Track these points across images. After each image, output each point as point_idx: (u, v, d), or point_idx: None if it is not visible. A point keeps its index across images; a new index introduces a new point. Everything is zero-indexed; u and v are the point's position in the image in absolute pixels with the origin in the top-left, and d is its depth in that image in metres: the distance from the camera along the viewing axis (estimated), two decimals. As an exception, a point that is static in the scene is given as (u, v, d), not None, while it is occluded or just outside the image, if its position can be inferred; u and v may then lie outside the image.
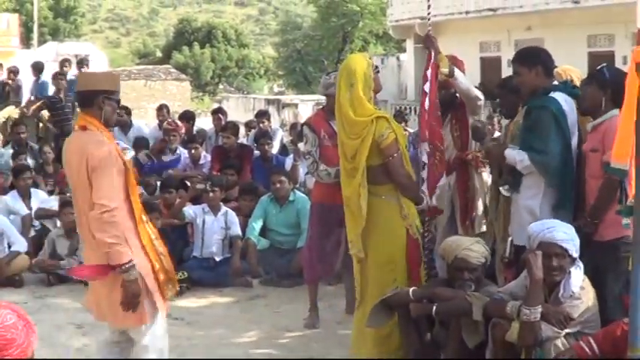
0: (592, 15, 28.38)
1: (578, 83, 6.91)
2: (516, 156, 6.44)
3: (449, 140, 7.78)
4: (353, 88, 6.32)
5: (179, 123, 13.98)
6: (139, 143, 13.16)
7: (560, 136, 6.30)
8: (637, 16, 4.92)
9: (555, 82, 6.73)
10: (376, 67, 6.60)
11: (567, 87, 6.66)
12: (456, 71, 7.37)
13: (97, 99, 5.58)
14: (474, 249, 6.21)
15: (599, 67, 6.44)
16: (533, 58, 6.66)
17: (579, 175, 6.49)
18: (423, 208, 6.68)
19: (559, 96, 6.43)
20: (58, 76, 17.46)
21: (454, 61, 7.58)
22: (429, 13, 8.05)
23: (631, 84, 3.91)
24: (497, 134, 12.99)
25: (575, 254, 5.54)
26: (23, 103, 17.37)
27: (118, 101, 5.85)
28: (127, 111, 15.35)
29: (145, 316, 5.55)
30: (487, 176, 7.91)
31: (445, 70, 7.29)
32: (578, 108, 6.61)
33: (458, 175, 7.84)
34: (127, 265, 5.35)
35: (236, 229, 10.04)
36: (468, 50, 30.04)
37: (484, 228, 7.80)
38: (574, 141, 6.47)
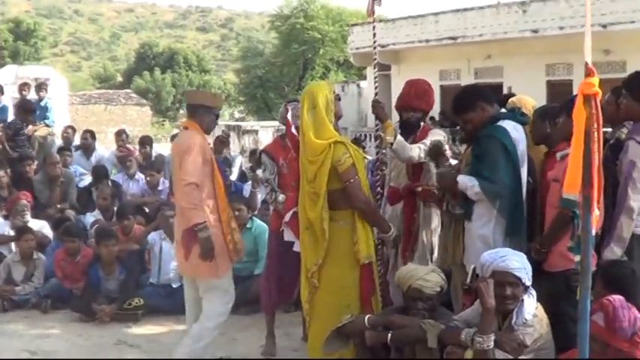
0: (550, 44, 28.73)
1: (530, 113, 6.99)
2: (468, 182, 6.49)
3: (401, 168, 7.81)
4: (315, 110, 6.37)
5: (131, 148, 13.93)
6: (100, 172, 12.97)
7: (509, 165, 6.36)
8: (585, 49, 5.02)
9: (503, 110, 6.80)
10: (337, 95, 6.64)
11: (516, 115, 6.72)
12: (396, 142, 7.34)
13: (198, 110, 7.15)
14: (428, 279, 6.23)
15: (570, 97, 6.50)
16: (470, 100, 6.69)
17: (533, 203, 6.56)
18: (389, 237, 6.70)
19: (508, 124, 6.49)
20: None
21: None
22: (374, 41, 8.23)
23: (578, 116, 3.97)
24: (454, 162, 13.05)
25: (528, 282, 5.58)
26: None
27: (217, 115, 7.36)
28: (92, 135, 15.31)
29: (213, 271, 7.00)
30: (436, 211, 7.86)
31: (390, 138, 7.32)
32: (533, 138, 6.70)
33: (405, 205, 7.80)
34: (200, 225, 6.75)
35: (193, 256, 9.95)
36: (428, 78, 30.04)
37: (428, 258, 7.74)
38: (524, 169, 6.54)
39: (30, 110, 14.93)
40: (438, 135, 7.76)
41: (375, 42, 8.37)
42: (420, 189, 7.74)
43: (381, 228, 6.68)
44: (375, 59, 8.25)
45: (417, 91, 7.75)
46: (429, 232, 7.80)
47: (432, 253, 7.82)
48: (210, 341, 7.20)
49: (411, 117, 7.69)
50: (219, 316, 7.20)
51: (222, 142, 14.69)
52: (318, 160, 6.29)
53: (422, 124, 7.85)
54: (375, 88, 8.33)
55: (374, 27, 8.14)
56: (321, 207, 6.34)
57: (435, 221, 7.82)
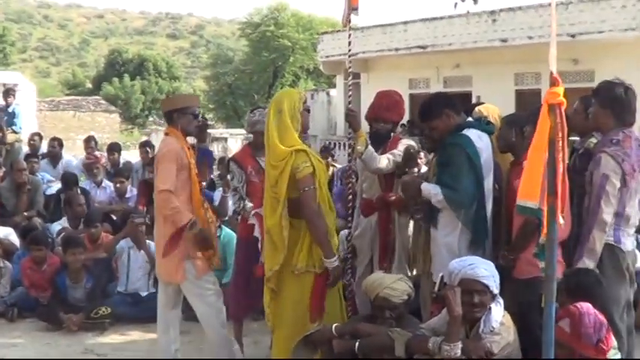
0: (519, 53, 28.87)
1: (497, 122, 7.03)
2: (431, 190, 6.52)
3: (373, 179, 7.82)
4: (281, 114, 6.34)
5: (99, 155, 13.87)
6: (70, 179, 12.86)
7: (472, 174, 6.39)
8: (550, 58, 5.03)
9: (470, 119, 6.82)
10: (307, 106, 6.63)
11: (481, 123, 6.76)
12: (365, 152, 7.35)
13: (172, 116, 7.20)
14: (395, 287, 6.24)
15: (536, 106, 6.53)
16: (437, 107, 6.74)
17: (499, 211, 6.60)
18: (330, 264, 6.36)
19: (472, 133, 6.52)
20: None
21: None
22: (349, 50, 8.26)
23: (542, 124, 4.00)
24: (424, 169, 13.11)
25: (496, 290, 5.61)
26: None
27: (195, 115, 7.30)
28: (59, 142, 15.21)
29: (184, 274, 7.03)
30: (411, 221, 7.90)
31: (360, 148, 7.33)
32: (499, 146, 6.74)
33: (380, 216, 7.78)
34: (190, 223, 6.81)
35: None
36: (398, 87, 30.05)
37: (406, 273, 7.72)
38: (489, 178, 6.57)
39: None
40: (407, 144, 7.78)
41: (349, 51, 8.35)
42: (393, 198, 7.74)
43: (323, 249, 6.35)
44: (349, 68, 8.25)
45: (388, 103, 7.76)
46: (406, 242, 7.81)
47: (409, 263, 7.85)
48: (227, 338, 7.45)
49: (381, 128, 7.70)
50: (218, 313, 7.27)
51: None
52: (280, 166, 6.27)
53: (392, 134, 7.87)
54: (349, 96, 8.31)
55: (349, 35, 8.08)
56: (280, 214, 6.31)
57: (411, 230, 7.86)
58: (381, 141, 7.65)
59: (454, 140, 6.48)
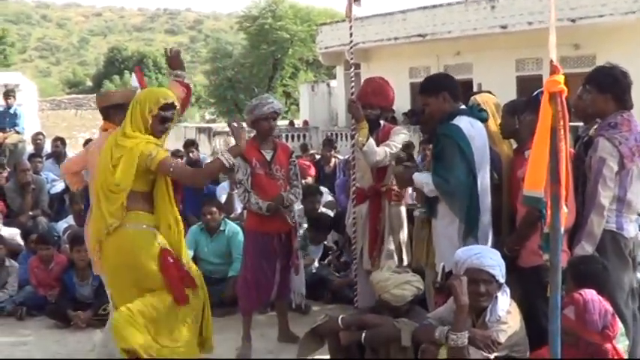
0: (520, 39, 28.81)
1: (495, 110, 7.02)
2: (423, 180, 6.55)
3: (365, 168, 7.83)
4: (133, 110, 6.23)
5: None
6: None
7: (463, 163, 6.38)
8: (550, 45, 5.01)
9: (462, 107, 6.83)
10: (169, 115, 6.31)
11: (473, 110, 6.75)
12: (367, 144, 7.41)
13: (109, 111, 7.25)
14: (396, 294, 6.35)
15: (534, 93, 6.52)
16: (437, 86, 6.76)
17: (499, 199, 6.60)
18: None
19: (463, 120, 6.51)
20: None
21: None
22: (351, 41, 8.25)
23: (544, 113, 4.00)
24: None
25: (502, 279, 5.62)
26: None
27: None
28: (62, 141, 15.24)
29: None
30: (402, 210, 7.96)
31: (362, 139, 7.39)
32: (501, 132, 6.75)
33: (370, 206, 7.83)
34: None
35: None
36: (398, 76, 30.29)
37: (393, 262, 7.70)
38: (484, 167, 6.57)
39: None
40: (401, 133, 7.84)
41: (351, 42, 8.36)
42: (384, 189, 7.81)
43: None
44: (351, 59, 8.26)
45: (373, 88, 7.80)
46: (396, 231, 7.87)
47: (400, 252, 7.87)
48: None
49: (369, 114, 7.71)
50: None
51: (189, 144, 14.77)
52: (123, 158, 6.09)
53: (383, 122, 7.92)
54: (351, 87, 8.32)
55: (351, 27, 8.11)
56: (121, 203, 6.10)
57: (402, 220, 7.92)
58: (371, 127, 7.66)
59: (445, 131, 6.48)
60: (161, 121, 6.23)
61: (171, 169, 6.09)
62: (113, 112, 7.19)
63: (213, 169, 6.47)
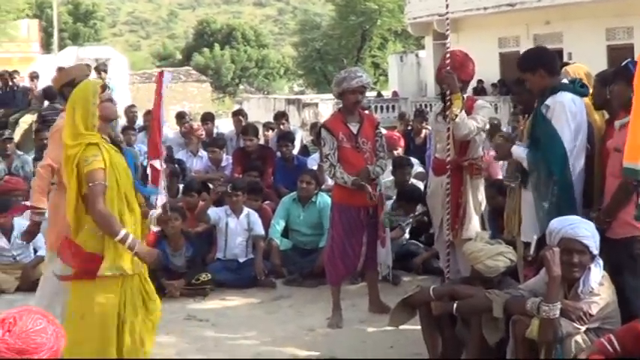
0: (610, 8, 28.32)
1: (586, 80, 6.93)
2: (521, 153, 6.51)
3: (445, 142, 7.77)
4: (74, 112, 5.91)
5: (194, 125, 14.08)
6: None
7: (562, 142, 6.28)
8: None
9: (565, 81, 6.74)
10: (108, 96, 6.12)
11: (576, 86, 6.65)
12: (460, 117, 7.42)
13: (64, 92, 6.95)
14: (489, 265, 6.31)
15: (623, 63, 6.39)
16: (533, 62, 6.66)
17: (590, 172, 6.51)
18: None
19: (566, 97, 6.42)
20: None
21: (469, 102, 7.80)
22: (447, 13, 8.19)
23: (639, 85, 3.95)
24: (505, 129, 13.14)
25: (596, 251, 5.55)
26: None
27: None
28: (152, 115, 15.45)
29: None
30: (483, 183, 8.08)
31: (456, 110, 7.38)
32: (593, 103, 6.66)
33: (452, 179, 7.78)
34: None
35: (259, 230, 10.07)
36: (487, 46, 30.08)
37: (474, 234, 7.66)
38: (582, 144, 6.46)
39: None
40: (485, 107, 7.89)
41: (447, 12, 8.28)
42: (466, 163, 7.82)
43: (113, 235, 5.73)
44: (447, 30, 8.15)
45: (454, 62, 7.74)
46: (477, 204, 7.94)
47: (483, 223, 7.89)
48: None
49: (447, 88, 7.69)
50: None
51: (280, 116, 14.91)
52: (70, 161, 5.84)
53: (464, 95, 7.87)
54: (447, 57, 8.08)
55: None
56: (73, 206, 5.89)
57: (482, 193, 8.01)
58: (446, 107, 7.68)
59: (546, 107, 6.40)
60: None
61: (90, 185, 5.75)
62: (67, 90, 6.60)
63: (113, 229, 5.74)
